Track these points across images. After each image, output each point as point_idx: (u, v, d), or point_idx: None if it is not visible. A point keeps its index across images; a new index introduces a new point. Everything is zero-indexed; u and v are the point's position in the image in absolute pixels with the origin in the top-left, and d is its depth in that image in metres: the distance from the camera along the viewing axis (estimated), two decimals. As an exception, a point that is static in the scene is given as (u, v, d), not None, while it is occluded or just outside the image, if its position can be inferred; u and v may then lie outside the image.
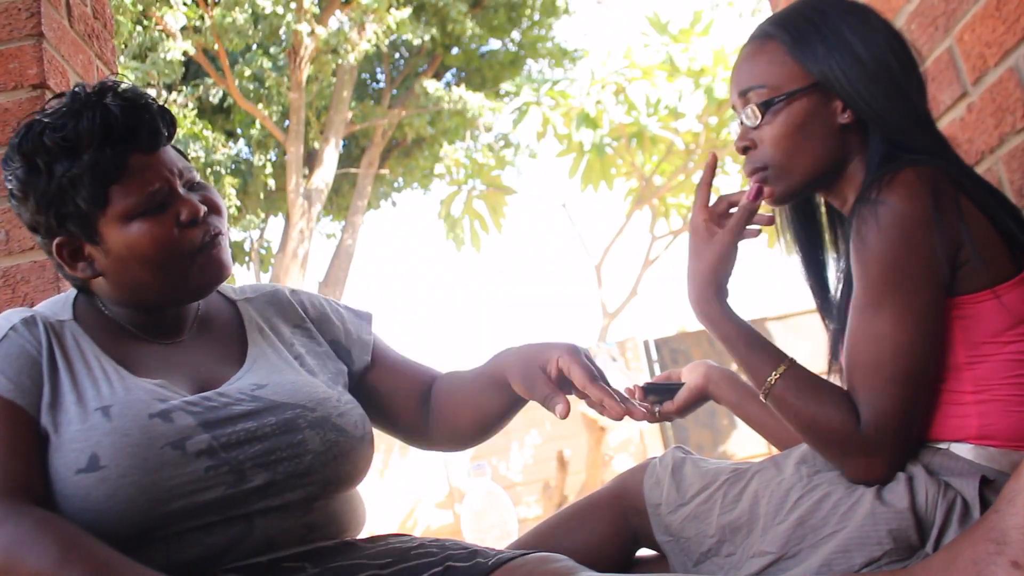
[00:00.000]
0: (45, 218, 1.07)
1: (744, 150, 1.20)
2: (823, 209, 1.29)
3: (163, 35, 8.00)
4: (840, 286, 1.20)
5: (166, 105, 1.11)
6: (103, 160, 1.05)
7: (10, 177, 1.08)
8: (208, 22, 7.96)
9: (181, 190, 1.10)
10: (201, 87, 9.06)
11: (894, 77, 1.14)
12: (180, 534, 0.98)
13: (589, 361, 1.13)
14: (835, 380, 1.17)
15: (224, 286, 1.26)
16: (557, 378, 1.13)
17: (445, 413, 1.28)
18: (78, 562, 0.87)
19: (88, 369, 1.04)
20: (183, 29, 8.01)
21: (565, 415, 1.08)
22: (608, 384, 1.10)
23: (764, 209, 1.24)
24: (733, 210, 1.19)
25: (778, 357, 1.11)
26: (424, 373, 1.32)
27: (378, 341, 1.31)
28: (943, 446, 1.06)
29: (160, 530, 0.98)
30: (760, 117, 1.16)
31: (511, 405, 1.24)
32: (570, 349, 1.13)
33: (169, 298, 1.12)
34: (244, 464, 1.01)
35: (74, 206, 1.05)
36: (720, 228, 1.16)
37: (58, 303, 1.14)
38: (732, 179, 10.26)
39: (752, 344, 1.13)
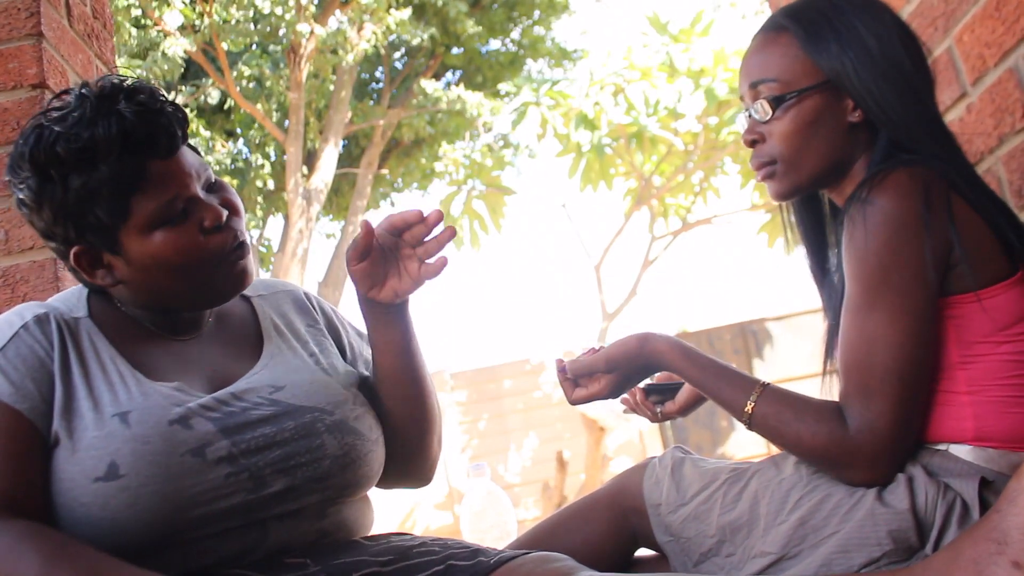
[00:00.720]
0: (63, 229, 1.04)
1: (752, 143, 1.20)
2: (828, 206, 1.29)
3: (162, 34, 7.99)
4: (836, 284, 1.20)
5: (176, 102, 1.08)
6: (122, 170, 1.01)
7: (21, 186, 1.04)
8: (206, 21, 7.95)
9: (201, 194, 1.07)
10: (200, 87, 9.05)
11: (906, 77, 1.13)
12: (197, 540, 0.98)
13: None
14: (831, 380, 1.17)
15: None
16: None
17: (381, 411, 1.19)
18: (63, 572, 0.85)
19: (104, 372, 1.02)
20: (181, 28, 8.00)
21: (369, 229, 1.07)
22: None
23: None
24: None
25: (751, 383, 1.11)
26: None
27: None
28: (942, 447, 1.06)
29: (178, 537, 0.97)
30: (770, 112, 1.16)
31: (389, 334, 1.16)
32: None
33: (192, 303, 1.11)
34: (264, 470, 1.01)
35: (94, 217, 1.02)
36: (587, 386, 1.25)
37: (72, 297, 1.11)
38: (731, 179, 10.25)
39: (721, 377, 1.14)
